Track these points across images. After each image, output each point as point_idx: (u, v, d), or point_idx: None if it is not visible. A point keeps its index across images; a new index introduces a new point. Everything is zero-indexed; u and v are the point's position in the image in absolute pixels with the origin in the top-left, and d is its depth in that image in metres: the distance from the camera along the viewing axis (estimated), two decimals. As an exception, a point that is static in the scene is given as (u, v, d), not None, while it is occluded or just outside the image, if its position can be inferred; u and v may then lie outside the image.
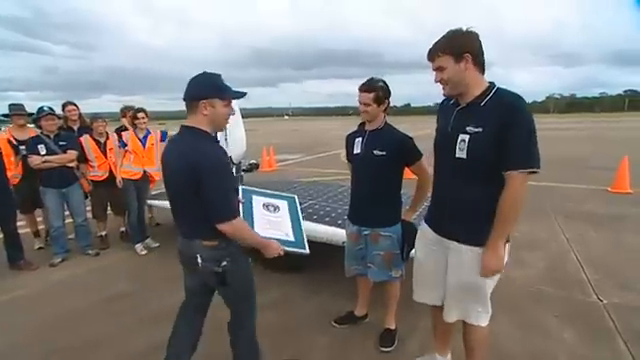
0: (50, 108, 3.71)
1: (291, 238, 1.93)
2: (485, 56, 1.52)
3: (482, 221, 1.53)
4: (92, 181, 4.14)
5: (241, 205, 1.86)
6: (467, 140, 1.49)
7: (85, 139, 4.04)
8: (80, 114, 4.28)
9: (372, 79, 2.12)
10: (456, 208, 1.61)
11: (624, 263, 3.50)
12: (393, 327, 2.41)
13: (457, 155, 1.53)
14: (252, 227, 1.80)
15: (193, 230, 1.61)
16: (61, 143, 3.72)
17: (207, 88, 1.56)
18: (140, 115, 3.98)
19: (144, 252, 4.05)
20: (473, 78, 1.50)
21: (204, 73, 1.59)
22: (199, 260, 1.60)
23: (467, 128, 1.49)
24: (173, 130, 2.48)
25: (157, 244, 4.24)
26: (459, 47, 1.47)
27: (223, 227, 1.50)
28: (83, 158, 4.04)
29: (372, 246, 2.22)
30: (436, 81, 1.57)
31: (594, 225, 4.66)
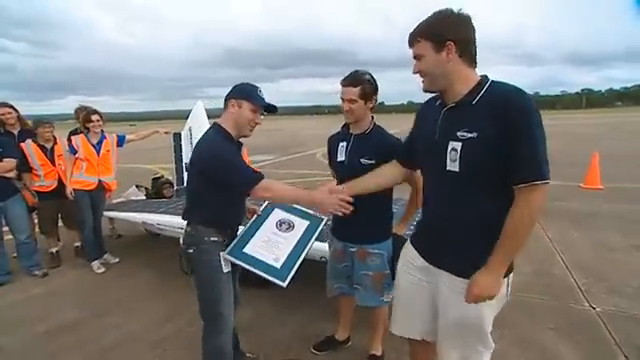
0: None
1: (277, 265, 1.72)
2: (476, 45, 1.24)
3: (483, 249, 1.23)
4: (38, 192, 3.63)
5: (256, 215, 1.89)
6: (459, 149, 1.20)
7: (27, 145, 3.53)
8: (19, 116, 3.74)
9: (357, 71, 1.81)
10: (449, 232, 1.32)
11: (608, 265, 3.44)
12: (379, 353, 2.16)
13: (448, 167, 1.24)
14: (247, 242, 1.78)
15: (185, 212, 1.80)
16: None
17: (240, 91, 1.71)
18: (94, 117, 3.53)
19: (101, 270, 3.61)
20: (458, 71, 1.22)
21: (246, 82, 1.75)
22: (181, 241, 1.80)
23: (458, 133, 1.20)
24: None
25: (117, 259, 3.82)
26: (440, 33, 1.20)
27: (255, 194, 1.62)
28: (26, 167, 3.54)
29: (359, 265, 1.94)
30: (414, 72, 1.30)
31: (573, 223, 4.64)
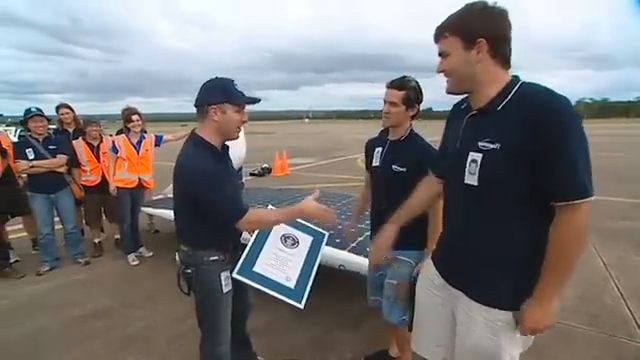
0: (38, 109, 3.52)
1: (290, 284, 1.68)
2: (512, 45, 1.09)
3: (501, 273, 1.12)
4: (84, 186, 3.96)
5: (257, 230, 1.77)
6: (479, 161, 1.07)
7: (77, 143, 3.88)
8: (75, 117, 4.13)
9: (405, 77, 1.76)
10: (466, 251, 1.20)
11: (676, 296, 2.97)
12: None
13: (466, 181, 1.12)
14: (256, 259, 1.70)
15: (178, 232, 1.68)
16: (51, 147, 3.54)
17: (217, 93, 1.49)
18: (134, 118, 3.76)
19: (136, 262, 3.84)
20: (488, 73, 1.08)
21: (215, 78, 1.53)
22: (177, 259, 1.70)
23: (479, 144, 1.07)
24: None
25: (151, 253, 4.04)
26: (471, 28, 1.06)
27: (240, 227, 1.52)
28: (76, 162, 3.87)
29: (388, 273, 1.85)
30: (438, 71, 1.17)
31: (635, 246, 4.08)
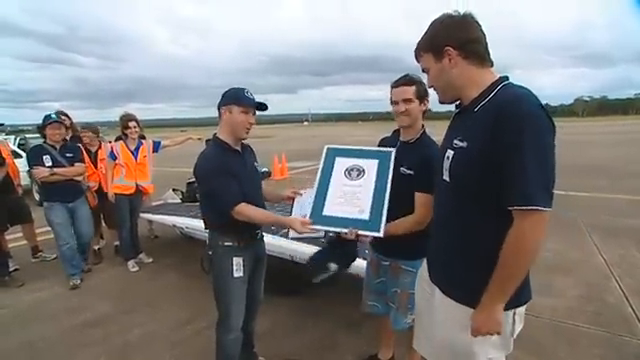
0: (57, 116, 3.42)
1: (365, 216, 1.57)
2: (485, 41, 1.13)
3: (469, 270, 1.13)
4: None
5: (319, 171, 1.76)
6: (450, 157, 1.14)
7: None
8: (72, 123, 4.11)
9: (407, 74, 1.75)
10: (438, 244, 1.26)
11: (678, 293, 2.96)
12: None
13: (443, 176, 1.18)
14: (324, 202, 1.66)
15: (203, 218, 1.92)
16: (67, 155, 3.42)
17: (228, 97, 1.76)
18: (131, 124, 3.75)
19: (135, 269, 3.82)
20: (466, 75, 1.13)
21: (233, 87, 1.78)
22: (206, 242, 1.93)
23: (454, 141, 1.14)
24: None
25: (150, 259, 4.03)
26: (437, 41, 1.14)
27: (232, 215, 1.71)
28: None
29: (392, 281, 1.83)
30: (428, 86, 1.28)
31: (637, 244, 4.07)
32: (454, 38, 1.11)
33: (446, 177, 1.16)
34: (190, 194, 4.56)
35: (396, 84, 1.74)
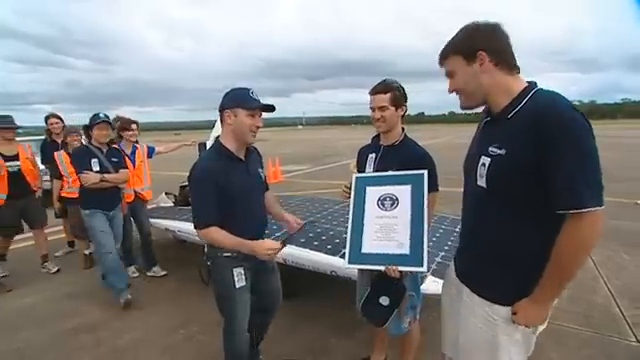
0: (106, 116, 3.11)
1: (405, 250, 1.51)
2: (512, 51, 1.16)
3: (504, 271, 1.17)
4: (67, 198, 3.83)
5: (351, 204, 1.69)
6: (487, 164, 1.14)
7: (59, 154, 3.67)
8: (64, 127, 4.07)
9: (385, 80, 1.78)
10: (473, 248, 1.29)
11: (664, 294, 3.02)
12: None
13: (478, 182, 1.19)
14: (361, 240, 1.60)
15: None
16: (113, 159, 3.17)
17: (231, 99, 1.64)
18: (133, 127, 3.63)
19: (136, 274, 3.73)
20: (495, 81, 1.15)
21: (234, 87, 1.67)
22: (205, 249, 1.83)
23: (489, 149, 1.14)
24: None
25: (165, 272, 3.85)
26: (470, 44, 1.15)
27: (199, 235, 1.67)
28: (58, 174, 3.77)
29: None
30: (449, 91, 1.25)
31: (625, 245, 4.15)
32: (488, 43, 1.13)
33: (481, 183, 1.17)
34: (183, 198, 4.54)
35: (372, 91, 1.78)
